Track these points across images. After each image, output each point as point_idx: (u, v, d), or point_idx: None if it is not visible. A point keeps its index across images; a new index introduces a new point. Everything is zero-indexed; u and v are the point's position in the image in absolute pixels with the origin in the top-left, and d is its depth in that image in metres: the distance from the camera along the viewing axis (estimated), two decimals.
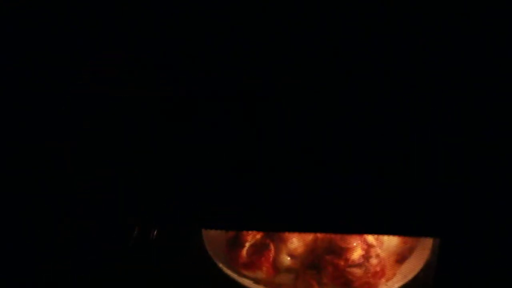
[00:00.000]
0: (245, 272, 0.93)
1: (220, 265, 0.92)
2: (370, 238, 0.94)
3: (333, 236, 0.92)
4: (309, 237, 0.94)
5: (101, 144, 0.68)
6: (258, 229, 0.89)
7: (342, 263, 0.89)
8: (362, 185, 0.68)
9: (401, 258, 0.95)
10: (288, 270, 0.94)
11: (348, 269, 0.89)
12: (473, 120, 0.65)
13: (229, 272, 0.92)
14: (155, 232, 0.96)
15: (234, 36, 0.66)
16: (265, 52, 0.65)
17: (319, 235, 0.93)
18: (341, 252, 0.90)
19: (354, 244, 0.91)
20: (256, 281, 0.92)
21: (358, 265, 0.90)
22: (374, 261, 0.91)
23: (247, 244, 0.94)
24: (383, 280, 0.92)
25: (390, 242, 0.95)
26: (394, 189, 0.68)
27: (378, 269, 0.91)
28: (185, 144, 0.67)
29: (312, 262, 0.92)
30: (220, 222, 0.72)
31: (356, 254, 0.91)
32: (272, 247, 0.93)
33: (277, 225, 0.73)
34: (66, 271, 0.81)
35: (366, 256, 0.91)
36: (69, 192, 0.71)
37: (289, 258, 0.94)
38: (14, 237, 0.76)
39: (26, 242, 0.77)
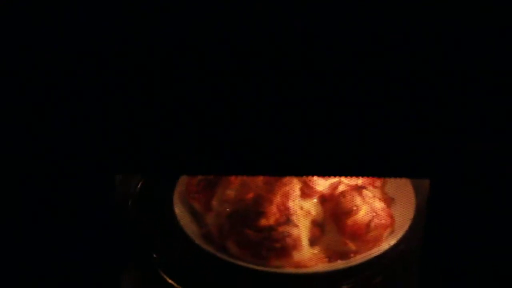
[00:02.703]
0: (191, 202, 0.95)
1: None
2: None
3: None
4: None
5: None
6: (235, 173, 0.87)
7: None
8: (349, 123, 0.66)
9: None
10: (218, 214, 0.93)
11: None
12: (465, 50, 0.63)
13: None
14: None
15: None
16: None
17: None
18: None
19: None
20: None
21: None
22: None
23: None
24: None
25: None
26: (380, 127, 0.66)
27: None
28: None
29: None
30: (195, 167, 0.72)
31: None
32: (218, 188, 0.94)
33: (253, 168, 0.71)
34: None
35: None
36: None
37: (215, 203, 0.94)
38: None
39: None
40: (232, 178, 0.93)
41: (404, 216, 0.92)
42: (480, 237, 0.72)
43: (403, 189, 0.96)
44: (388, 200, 0.95)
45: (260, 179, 0.92)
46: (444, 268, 0.74)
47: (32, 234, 0.74)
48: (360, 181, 0.93)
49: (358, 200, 0.89)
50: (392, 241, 0.89)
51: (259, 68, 0.65)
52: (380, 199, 0.92)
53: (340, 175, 0.75)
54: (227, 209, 0.91)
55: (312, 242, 0.89)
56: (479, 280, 0.74)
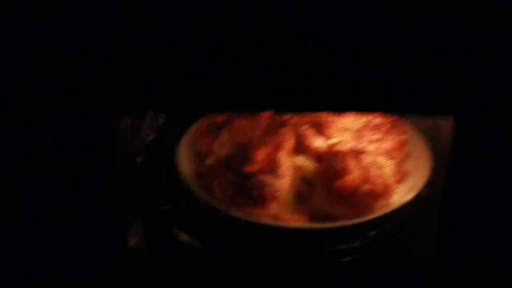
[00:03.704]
0: (197, 145, 0.93)
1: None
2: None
3: None
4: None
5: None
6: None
7: None
8: (366, 56, 0.61)
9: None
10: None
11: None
12: None
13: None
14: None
15: None
16: None
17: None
18: None
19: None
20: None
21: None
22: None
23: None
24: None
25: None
26: (400, 61, 0.61)
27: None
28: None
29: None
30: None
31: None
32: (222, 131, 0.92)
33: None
34: None
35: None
36: None
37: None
38: None
39: None
40: (236, 122, 0.92)
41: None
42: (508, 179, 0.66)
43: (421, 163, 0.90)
44: (402, 175, 0.89)
45: (260, 127, 0.89)
46: (467, 217, 0.68)
47: (31, 187, 0.70)
48: (373, 147, 0.88)
49: (351, 162, 0.84)
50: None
51: None
52: (385, 167, 0.86)
53: (358, 110, 0.73)
54: (223, 152, 0.90)
55: (299, 199, 0.85)
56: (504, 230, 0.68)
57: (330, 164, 0.84)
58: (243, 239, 0.84)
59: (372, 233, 0.83)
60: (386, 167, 0.87)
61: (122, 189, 0.76)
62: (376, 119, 0.93)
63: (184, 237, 0.84)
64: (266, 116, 0.92)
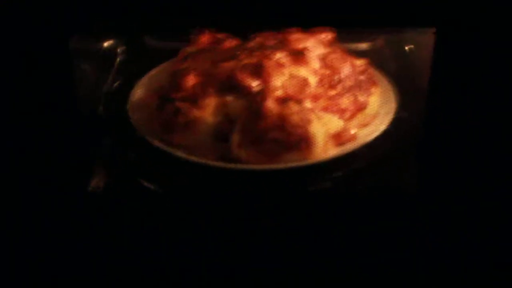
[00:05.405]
0: None
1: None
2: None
3: None
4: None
5: None
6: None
7: None
8: None
9: None
10: None
11: None
12: None
13: None
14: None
15: None
16: None
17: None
18: None
19: None
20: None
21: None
22: None
23: None
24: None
25: None
26: None
27: None
28: None
29: None
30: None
31: None
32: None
33: None
34: None
35: None
36: None
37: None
38: None
39: None
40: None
41: None
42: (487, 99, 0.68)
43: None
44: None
45: (210, 60, 0.87)
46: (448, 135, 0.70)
47: None
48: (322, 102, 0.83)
49: (273, 107, 0.78)
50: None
51: None
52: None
53: (340, 25, 0.76)
54: None
55: (219, 136, 0.81)
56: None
57: (251, 106, 0.79)
58: (201, 183, 0.81)
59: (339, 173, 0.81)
60: (323, 119, 0.80)
61: (85, 137, 0.78)
62: (344, 71, 0.86)
63: (145, 183, 0.82)
64: (228, 45, 0.90)
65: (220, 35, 0.93)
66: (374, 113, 0.87)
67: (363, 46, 1.02)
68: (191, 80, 0.83)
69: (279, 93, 0.81)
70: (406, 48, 1.00)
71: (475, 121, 0.69)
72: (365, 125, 0.86)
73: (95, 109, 0.91)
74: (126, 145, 0.85)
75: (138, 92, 0.91)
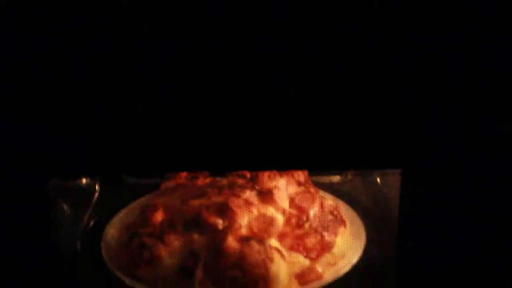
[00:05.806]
0: None
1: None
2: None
3: None
4: None
5: None
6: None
7: None
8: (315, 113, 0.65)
9: None
10: None
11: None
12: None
13: None
14: None
15: None
16: None
17: None
18: None
19: None
20: None
21: None
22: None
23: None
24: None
25: None
26: (349, 116, 0.65)
27: None
28: None
29: None
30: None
31: None
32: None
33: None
34: None
35: None
36: None
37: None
38: None
39: None
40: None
41: None
42: (456, 228, 0.69)
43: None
44: None
45: (181, 196, 0.90)
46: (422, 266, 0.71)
47: None
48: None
49: (233, 245, 0.80)
50: None
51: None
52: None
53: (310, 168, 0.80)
54: None
55: (185, 272, 0.83)
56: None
57: (213, 244, 0.81)
58: None
59: None
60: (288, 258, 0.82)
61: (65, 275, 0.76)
62: (312, 211, 0.88)
63: None
64: (201, 183, 0.93)
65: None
66: (342, 253, 0.88)
67: (335, 178, 1.05)
68: (159, 216, 0.86)
69: (243, 231, 0.83)
70: (378, 179, 1.03)
71: (447, 255, 0.70)
72: (333, 264, 0.86)
73: (73, 246, 0.92)
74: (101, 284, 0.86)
75: (112, 228, 0.94)
